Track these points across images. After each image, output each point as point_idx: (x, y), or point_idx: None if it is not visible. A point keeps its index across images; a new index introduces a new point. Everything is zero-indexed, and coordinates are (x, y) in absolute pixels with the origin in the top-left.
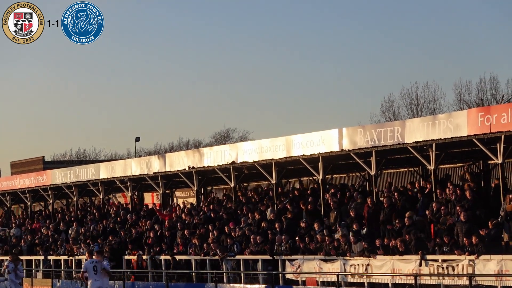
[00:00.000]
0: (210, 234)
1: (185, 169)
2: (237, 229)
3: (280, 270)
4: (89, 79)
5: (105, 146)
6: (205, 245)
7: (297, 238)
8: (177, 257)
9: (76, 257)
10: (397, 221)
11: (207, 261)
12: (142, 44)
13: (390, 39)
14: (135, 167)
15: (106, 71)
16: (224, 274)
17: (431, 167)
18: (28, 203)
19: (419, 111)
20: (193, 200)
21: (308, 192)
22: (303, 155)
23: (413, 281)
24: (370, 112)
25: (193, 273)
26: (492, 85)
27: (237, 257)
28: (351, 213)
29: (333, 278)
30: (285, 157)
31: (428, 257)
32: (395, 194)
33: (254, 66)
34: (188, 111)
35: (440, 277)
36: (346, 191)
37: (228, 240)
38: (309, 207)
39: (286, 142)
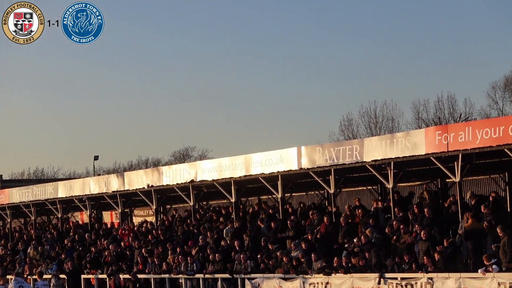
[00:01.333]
0: (169, 252)
1: (144, 187)
2: (195, 248)
3: None
4: (53, 92)
5: (64, 164)
6: (164, 264)
7: (258, 256)
8: (138, 275)
9: (33, 277)
10: (355, 239)
11: (167, 280)
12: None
13: (348, 57)
14: (93, 186)
15: (72, 83)
16: None
17: (390, 185)
18: None
19: (378, 130)
20: (152, 218)
21: (269, 211)
22: (262, 173)
23: None
24: (329, 131)
25: None
26: (449, 104)
27: (197, 275)
28: (308, 232)
29: None
30: (244, 176)
31: (387, 275)
32: (355, 211)
33: (213, 84)
34: (147, 130)
35: None
36: (305, 209)
37: (188, 259)
38: (272, 225)
39: (245, 160)
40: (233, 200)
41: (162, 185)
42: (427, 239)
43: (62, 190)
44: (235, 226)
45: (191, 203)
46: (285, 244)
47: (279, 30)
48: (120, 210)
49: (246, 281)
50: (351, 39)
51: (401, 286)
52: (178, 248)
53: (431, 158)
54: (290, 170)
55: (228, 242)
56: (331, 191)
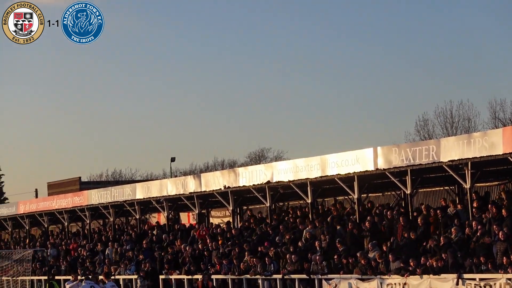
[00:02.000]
0: (246, 253)
1: (220, 189)
2: (272, 248)
3: None
4: (116, 96)
5: (141, 166)
6: (241, 264)
7: (335, 257)
8: (214, 276)
9: (114, 277)
10: (434, 239)
11: (244, 281)
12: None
13: (424, 57)
14: (171, 187)
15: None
16: None
17: (467, 185)
18: (65, 224)
19: (454, 130)
20: (228, 219)
21: (345, 211)
22: (339, 174)
23: None
24: (404, 131)
25: None
26: None
27: (274, 276)
28: (386, 232)
29: None
30: (320, 176)
31: (466, 275)
32: (431, 212)
33: (289, 85)
34: (223, 131)
35: None
36: (383, 210)
37: (266, 260)
38: (349, 226)
39: (321, 161)
40: (309, 200)
41: (239, 186)
42: (505, 240)
43: (140, 192)
44: (311, 227)
45: (267, 204)
46: (362, 245)
47: (353, 32)
48: (197, 211)
49: (323, 282)
50: (428, 39)
51: (480, 287)
52: (255, 249)
53: (509, 158)
54: (367, 171)
55: (305, 242)
56: (408, 191)
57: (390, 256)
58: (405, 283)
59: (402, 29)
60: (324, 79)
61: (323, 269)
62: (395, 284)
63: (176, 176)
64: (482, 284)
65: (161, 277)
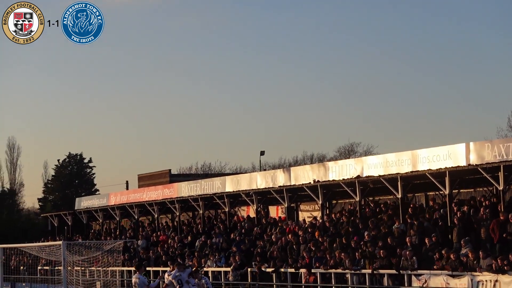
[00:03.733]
0: (335, 247)
1: (310, 182)
2: (362, 243)
3: (406, 285)
4: (209, 88)
5: (231, 159)
6: (330, 259)
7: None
8: (302, 270)
9: (204, 269)
10: None
11: (332, 275)
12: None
13: None
14: (260, 181)
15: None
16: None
17: None
18: (155, 215)
19: None
20: (318, 213)
21: (435, 207)
22: (430, 169)
23: None
24: (496, 127)
25: (318, 287)
26: None
27: (363, 271)
28: (479, 228)
29: None
30: (411, 172)
31: None
32: None
33: (379, 80)
34: (313, 125)
35: None
36: (472, 207)
37: (356, 254)
38: (439, 221)
39: (412, 156)
40: (399, 196)
41: (328, 180)
42: None
43: (230, 185)
44: (401, 222)
45: (357, 199)
46: (452, 241)
47: (444, 27)
48: (286, 205)
49: (413, 277)
50: None
51: None
52: (344, 243)
53: None
54: (458, 166)
55: (394, 238)
56: (500, 187)
57: (480, 253)
58: (496, 280)
59: (495, 22)
60: (416, 72)
61: (413, 264)
62: (486, 281)
63: (265, 170)
64: None
65: (250, 269)
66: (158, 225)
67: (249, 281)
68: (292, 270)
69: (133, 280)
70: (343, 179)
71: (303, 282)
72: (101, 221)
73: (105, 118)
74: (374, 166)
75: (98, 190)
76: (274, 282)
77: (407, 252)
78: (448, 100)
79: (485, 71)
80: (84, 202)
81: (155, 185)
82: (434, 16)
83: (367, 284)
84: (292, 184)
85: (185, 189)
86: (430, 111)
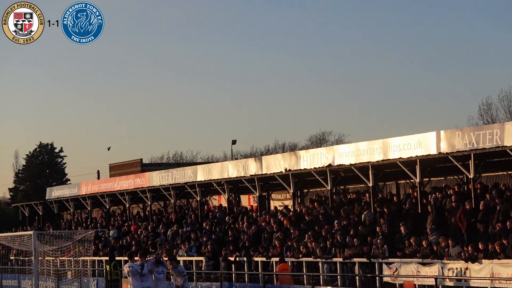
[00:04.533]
0: (307, 236)
1: (281, 171)
2: (333, 232)
3: (377, 273)
4: (179, 78)
5: (202, 149)
6: (301, 247)
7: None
8: (274, 259)
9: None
10: (498, 224)
11: (303, 263)
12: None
13: (488, 41)
14: (231, 170)
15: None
16: (321, 276)
17: None
18: (127, 205)
19: None
20: (289, 202)
21: (405, 195)
22: (401, 158)
23: None
24: (467, 115)
25: (290, 275)
26: None
27: (334, 259)
28: (448, 217)
29: (431, 282)
30: (382, 160)
31: None
32: (494, 197)
33: (349, 68)
34: (284, 114)
35: None
36: (443, 194)
37: (327, 243)
38: (409, 210)
39: (383, 145)
40: (370, 184)
41: (300, 169)
42: None
43: (201, 174)
44: (372, 211)
45: (328, 187)
46: (423, 229)
47: (413, 16)
48: (258, 194)
49: (384, 266)
50: (491, 22)
51: None
52: (315, 232)
53: None
54: (429, 155)
55: (365, 226)
56: (471, 176)
57: (450, 241)
58: (466, 268)
59: (466, 10)
60: (387, 62)
61: (384, 252)
62: (456, 269)
63: (237, 159)
64: None
65: (221, 258)
66: (130, 214)
67: (220, 270)
68: (263, 259)
69: (125, 269)
70: (315, 168)
71: (274, 271)
72: (72, 211)
73: (76, 108)
74: (345, 154)
75: (69, 180)
76: (246, 271)
77: (378, 241)
78: (420, 89)
79: (456, 60)
80: (55, 192)
81: (126, 174)
82: (405, 5)
83: (338, 272)
84: (263, 173)
85: (157, 179)
86: (401, 100)
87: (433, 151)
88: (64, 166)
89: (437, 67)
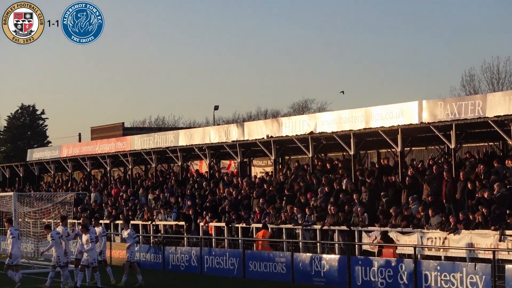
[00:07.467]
0: (287, 203)
1: (263, 138)
2: (313, 199)
3: (356, 241)
4: (163, 40)
5: (184, 114)
6: (281, 214)
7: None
8: (254, 225)
9: (154, 223)
10: (477, 195)
11: (283, 230)
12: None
13: (471, 12)
14: (213, 135)
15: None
16: (300, 243)
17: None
18: (108, 168)
19: (500, 86)
20: (270, 169)
21: (387, 164)
22: (382, 126)
23: (491, 256)
24: (450, 86)
25: (269, 242)
26: None
27: (314, 227)
28: (428, 186)
29: (410, 251)
30: (364, 129)
31: (508, 232)
32: (474, 167)
33: (333, 36)
34: (267, 81)
35: None
36: (424, 164)
37: (306, 210)
38: (392, 179)
39: (365, 113)
40: (352, 152)
41: (282, 136)
42: None
43: (183, 139)
44: (353, 179)
45: (310, 155)
46: (401, 198)
47: None
48: (239, 160)
49: (363, 234)
50: None
51: None
52: (296, 199)
53: None
54: (411, 124)
55: (346, 194)
56: (452, 146)
57: (430, 211)
58: (445, 238)
59: None
60: (369, 30)
61: (364, 221)
62: (435, 238)
63: (219, 125)
64: None
65: (201, 224)
66: (110, 178)
67: (200, 235)
68: (243, 224)
69: (125, 235)
70: (296, 135)
71: (254, 237)
72: (53, 173)
73: (59, 70)
74: (327, 122)
75: (50, 142)
76: (226, 236)
77: (358, 209)
78: (402, 58)
79: (439, 31)
80: (36, 154)
81: (108, 137)
82: None
83: (318, 239)
84: (245, 139)
85: (138, 142)
86: (384, 69)
87: (415, 120)
88: (46, 128)
89: (420, 38)
